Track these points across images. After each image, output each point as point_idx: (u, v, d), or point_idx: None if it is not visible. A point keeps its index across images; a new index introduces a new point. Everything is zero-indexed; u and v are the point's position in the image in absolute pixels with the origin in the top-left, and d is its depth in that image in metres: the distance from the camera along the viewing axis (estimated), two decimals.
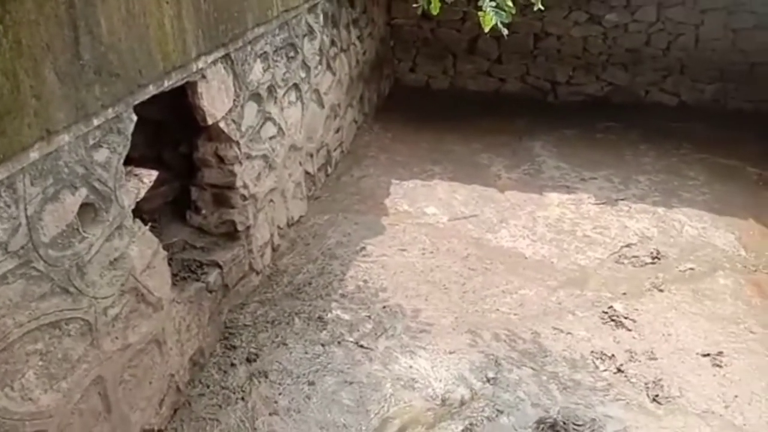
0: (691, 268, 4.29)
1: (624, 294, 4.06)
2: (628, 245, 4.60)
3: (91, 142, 2.41)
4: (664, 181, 5.49)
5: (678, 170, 5.69)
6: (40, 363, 2.21)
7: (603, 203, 5.18)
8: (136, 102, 2.66)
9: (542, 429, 3.06)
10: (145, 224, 2.88)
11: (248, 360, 3.44)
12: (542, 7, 4.16)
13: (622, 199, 5.23)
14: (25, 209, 2.10)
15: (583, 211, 5.09)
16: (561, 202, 5.21)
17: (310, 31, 4.74)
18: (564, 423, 3.08)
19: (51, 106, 2.17)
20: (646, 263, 4.38)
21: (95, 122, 2.40)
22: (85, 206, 2.39)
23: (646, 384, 3.34)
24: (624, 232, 4.78)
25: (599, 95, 7.33)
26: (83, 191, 2.37)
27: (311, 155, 5.03)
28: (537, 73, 7.43)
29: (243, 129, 3.72)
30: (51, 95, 2.17)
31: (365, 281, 4.11)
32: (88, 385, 2.46)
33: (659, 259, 4.41)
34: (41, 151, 2.14)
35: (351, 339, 3.60)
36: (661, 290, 4.07)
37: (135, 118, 2.65)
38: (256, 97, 3.88)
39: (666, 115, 6.87)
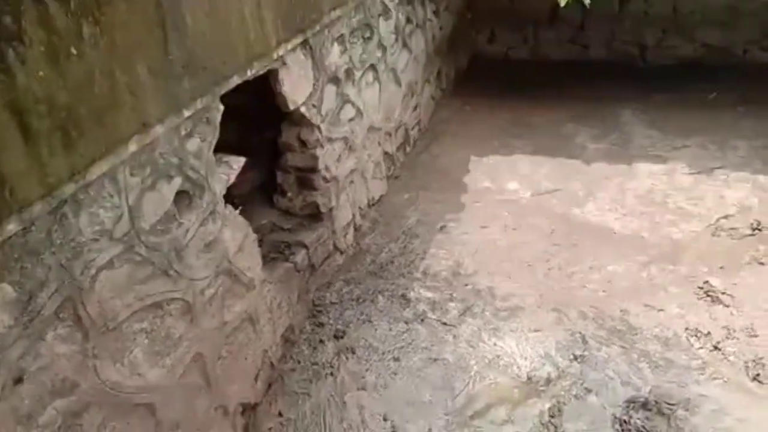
0: None
1: (721, 268, 3.86)
2: (725, 216, 4.35)
3: (183, 132, 2.53)
4: (766, 147, 5.13)
5: None
6: (146, 341, 2.39)
7: (698, 172, 4.92)
8: (222, 92, 2.76)
9: (633, 408, 3.00)
10: (236, 209, 3.02)
11: (336, 336, 3.55)
12: None
13: (719, 168, 4.94)
14: (127, 199, 2.25)
15: (675, 181, 4.85)
16: (652, 173, 4.99)
17: (386, 10, 4.73)
18: (656, 402, 3.00)
19: (145, 101, 2.30)
20: (746, 235, 4.14)
21: (186, 114, 2.52)
22: (180, 194, 2.53)
23: (745, 362, 3.19)
24: (721, 202, 4.52)
25: (692, 57, 6.90)
26: (178, 180, 2.51)
27: (389, 135, 5.06)
28: (624, 37, 7.08)
29: (323, 113, 3.79)
30: (144, 90, 2.29)
31: (446, 259, 4.12)
32: (189, 361, 2.63)
33: (760, 230, 4.14)
34: (138, 144, 2.28)
35: (434, 317, 3.63)
36: (762, 263, 3.84)
37: (222, 107, 2.76)
38: (335, 80, 3.94)
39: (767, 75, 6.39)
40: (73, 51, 1.98)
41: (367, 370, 3.33)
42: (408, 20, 5.30)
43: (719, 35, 6.73)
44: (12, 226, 1.80)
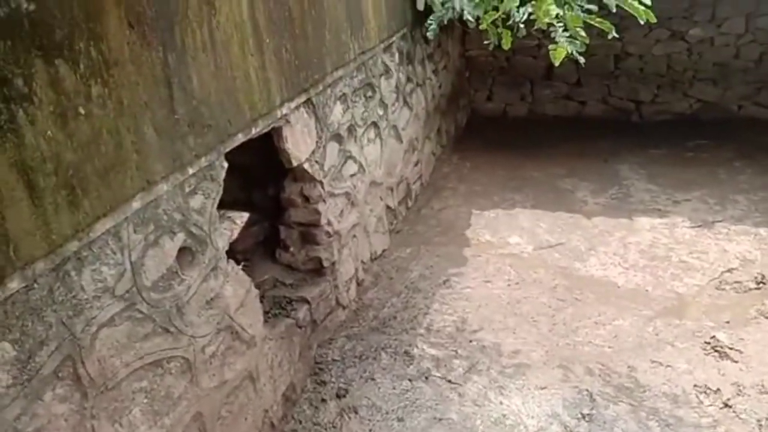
0: None
1: (727, 322, 3.82)
2: (729, 270, 4.34)
3: (187, 189, 2.55)
4: (765, 200, 5.17)
5: None
6: (145, 400, 2.34)
7: (699, 226, 4.93)
8: (227, 150, 2.80)
9: None
10: (239, 264, 3.01)
11: (338, 395, 3.48)
12: (617, 35, 4.15)
13: (720, 221, 4.96)
14: (129, 255, 2.25)
15: (677, 235, 4.86)
16: (653, 227, 5.00)
17: (387, 70, 4.85)
18: None
19: (150, 159, 2.33)
20: (751, 289, 4.11)
21: (190, 171, 2.55)
22: (183, 250, 2.53)
23: (758, 420, 3.10)
24: (724, 256, 4.51)
25: (688, 113, 7.04)
26: (181, 236, 2.52)
27: (391, 189, 5.10)
28: (619, 93, 7.24)
29: (326, 169, 3.84)
30: (150, 149, 2.33)
31: (450, 314, 4.08)
32: (189, 421, 2.57)
33: (765, 283, 4.12)
34: (142, 201, 2.30)
35: (438, 374, 3.57)
36: None
37: (226, 164, 2.79)
38: (337, 137, 4.00)
39: (762, 129, 6.50)
40: (81, 111, 2.02)
41: (370, 430, 3.24)
42: (408, 79, 5.43)
43: (713, 91, 6.88)
44: (14, 284, 1.80)
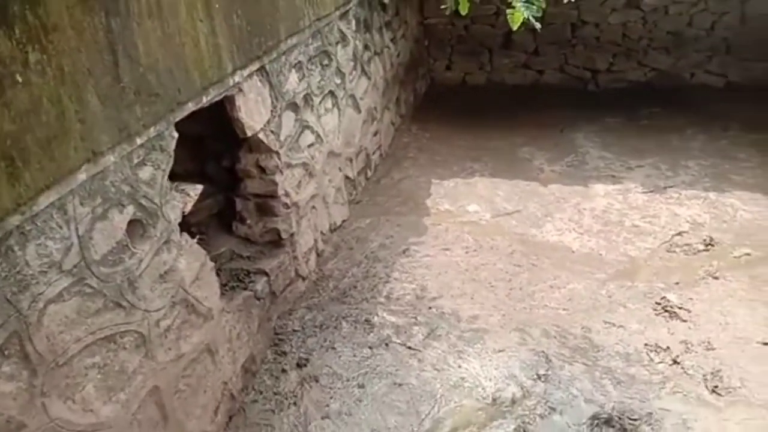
0: (747, 254, 4.13)
1: (677, 284, 3.95)
2: (679, 233, 4.47)
3: (136, 160, 2.48)
4: (714, 165, 5.32)
5: (728, 153, 5.50)
6: (99, 376, 2.30)
7: (651, 191, 5.05)
8: (177, 119, 2.73)
9: (597, 425, 3.01)
10: (193, 237, 2.95)
11: (298, 365, 3.48)
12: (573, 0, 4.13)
13: (671, 186, 5.09)
14: (77, 229, 2.18)
15: (630, 200, 4.97)
16: (607, 193, 5.10)
17: (343, 37, 4.78)
18: (619, 418, 3.02)
19: (95, 129, 2.25)
20: (699, 251, 4.25)
21: (138, 141, 2.48)
22: (133, 223, 2.47)
23: (704, 375, 3.24)
24: (674, 220, 4.64)
25: (642, 81, 7.15)
26: (130, 209, 2.45)
27: (350, 160, 5.07)
28: (576, 62, 7.29)
29: (282, 139, 3.78)
30: (94, 118, 2.25)
31: (410, 282, 4.11)
32: (145, 395, 2.54)
33: (713, 245, 4.27)
34: (88, 173, 2.22)
35: (398, 341, 3.60)
36: (716, 278, 3.94)
37: (176, 135, 2.72)
38: (293, 106, 3.93)
39: (713, 97, 6.66)
40: (19, 78, 1.93)
41: (331, 398, 3.27)
42: (366, 47, 5.36)
43: (667, 60, 6.99)
44: None
